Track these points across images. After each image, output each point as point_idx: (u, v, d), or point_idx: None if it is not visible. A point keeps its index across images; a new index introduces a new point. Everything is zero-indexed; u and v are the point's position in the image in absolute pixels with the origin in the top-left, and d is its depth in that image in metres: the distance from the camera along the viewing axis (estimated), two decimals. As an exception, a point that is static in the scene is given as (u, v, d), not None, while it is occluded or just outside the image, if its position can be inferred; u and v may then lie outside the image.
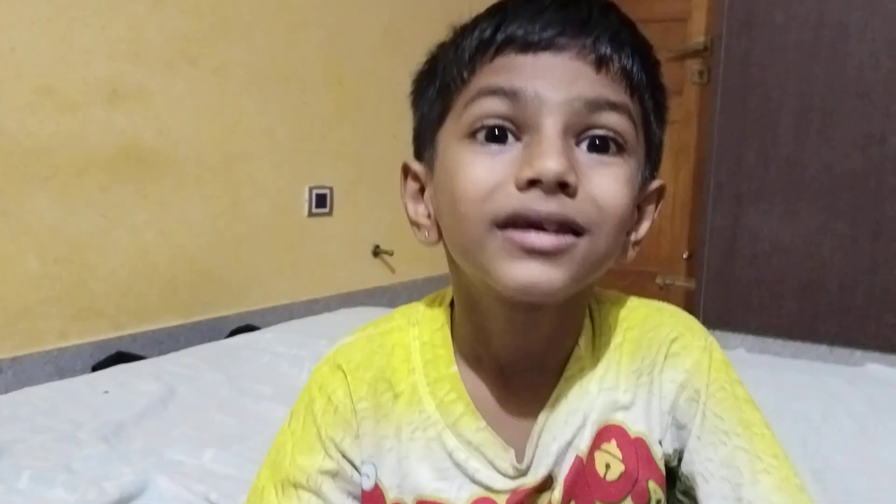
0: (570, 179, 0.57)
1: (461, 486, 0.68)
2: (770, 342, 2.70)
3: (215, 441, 1.34)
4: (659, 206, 0.70)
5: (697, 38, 3.15)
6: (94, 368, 1.92)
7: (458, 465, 0.68)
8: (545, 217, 0.58)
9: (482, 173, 0.60)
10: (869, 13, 2.54)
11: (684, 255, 3.22)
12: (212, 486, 1.18)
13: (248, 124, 2.42)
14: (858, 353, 2.53)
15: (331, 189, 2.74)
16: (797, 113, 2.66)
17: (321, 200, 2.71)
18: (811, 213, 2.64)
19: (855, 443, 1.45)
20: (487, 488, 0.67)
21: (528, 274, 0.59)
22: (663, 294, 3.17)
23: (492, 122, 0.61)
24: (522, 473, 0.67)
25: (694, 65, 3.18)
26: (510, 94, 0.60)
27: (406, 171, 0.70)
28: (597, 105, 0.59)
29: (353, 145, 2.83)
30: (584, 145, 0.60)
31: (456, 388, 0.69)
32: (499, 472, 0.67)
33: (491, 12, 0.64)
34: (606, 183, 0.60)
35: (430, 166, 0.68)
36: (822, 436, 1.48)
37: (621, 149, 0.61)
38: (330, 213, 2.75)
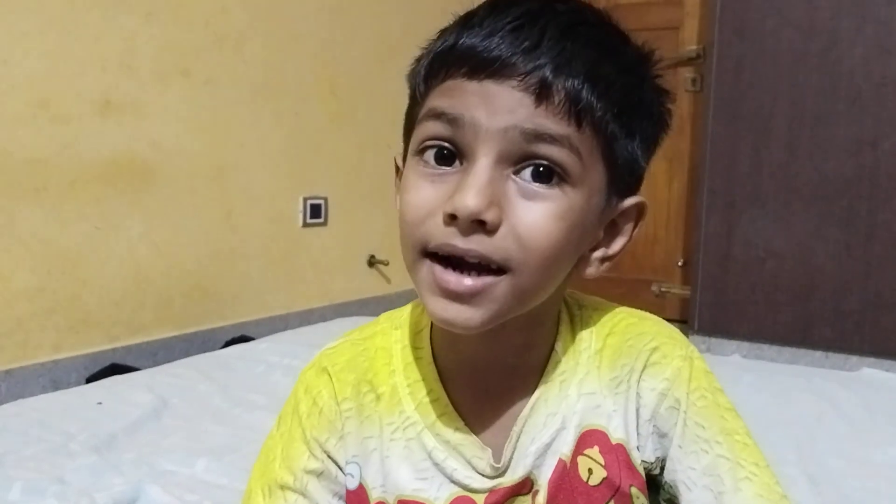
0: (488, 217, 0.58)
1: (440, 486, 0.68)
2: (765, 348, 2.69)
3: (208, 451, 1.34)
4: (639, 224, 0.69)
5: (690, 45, 3.16)
6: (89, 380, 1.92)
7: (436, 465, 0.69)
8: (463, 253, 0.59)
9: (421, 199, 0.61)
10: (860, 19, 2.55)
11: (679, 263, 3.22)
12: (204, 495, 1.18)
13: (242, 135, 2.42)
14: (854, 359, 2.53)
15: (325, 199, 2.75)
16: (789, 119, 2.67)
17: (316, 211, 2.71)
18: (804, 219, 2.65)
19: (850, 446, 1.45)
20: (465, 487, 0.68)
21: (444, 312, 0.61)
22: (658, 301, 3.17)
23: (436, 143, 0.62)
24: (500, 473, 0.68)
25: (686, 73, 3.19)
26: (451, 120, 0.60)
27: (396, 166, 0.71)
28: (534, 136, 0.59)
29: (347, 155, 2.84)
30: (525, 173, 0.60)
31: (435, 390, 0.70)
32: (476, 471, 0.68)
33: (457, 22, 0.64)
34: (534, 219, 0.59)
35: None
36: (817, 440, 1.48)
37: (563, 180, 0.60)
38: (325, 224, 2.76)
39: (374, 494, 0.70)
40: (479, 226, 0.58)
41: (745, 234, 2.75)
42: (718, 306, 2.82)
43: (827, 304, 2.62)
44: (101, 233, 2.04)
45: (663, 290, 3.23)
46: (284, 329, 2.43)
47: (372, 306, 2.89)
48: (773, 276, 2.71)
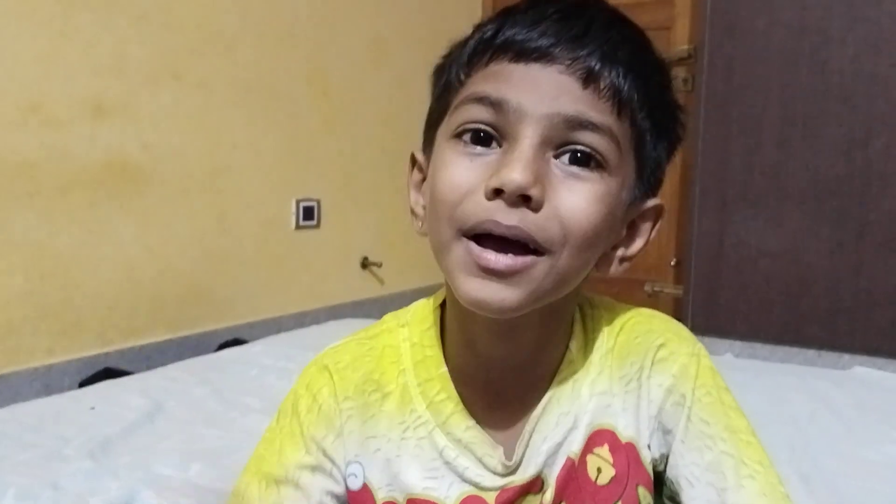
0: (533, 193, 0.58)
1: (451, 485, 0.68)
2: (758, 347, 2.70)
3: (202, 455, 1.33)
4: (657, 226, 0.70)
5: (681, 45, 3.16)
6: (82, 385, 1.91)
7: (447, 464, 0.69)
8: (505, 231, 0.59)
9: (459, 176, 0.61)
10: (850, 19, 2.56)
11: (672, 262, 3.23)
12: (198, 499, 1.17)
13: (234, 138, 2.42)
14: (846, 357, 2.53)
15: (318, 201, 2.74)
16: (781, 118, 2.67)
17: (308, 213, 2.71)
18: (796, 218, 2.65)
19: (842, 445, 1.46)
20: (476, 485, 0.68)
21: (480, 291, 0.60)
22: (652, 301, 3.18)
23: (475, 126, 0.62)
24: (511, 471, 0.68)
25: (678, 72, 3.19)
26: (495, 104, 0.61)
27: (413, 160, 0.72)
28: (576, 123, 0.60)
29: (339, 157, 2.84)
30: (565, 158, 0.61)
31: (446, 388, 0.70)
32: (488, 469, 0.68)
33: (498, 14, 0.65)
34: (576, 200, 0.60)
35: (428, 160, 0.69)
36: (810, 438, 1.48)
37: (601, 166, 0.61)
38: (317, 226, 2.75)
39: (379, 495, 0.70)
40: (524, 201, 0.58)
41: (737, 233, 2.76)
42: (711, 305, 2.83)
43: (819, 303, 2.63)
44: (94, 236, 2.03)
45: (656, 289, 3.24)
46: (278, 331, 2.43)
47: (365, 308, 2.89)
48: (766, 275, 2.71)
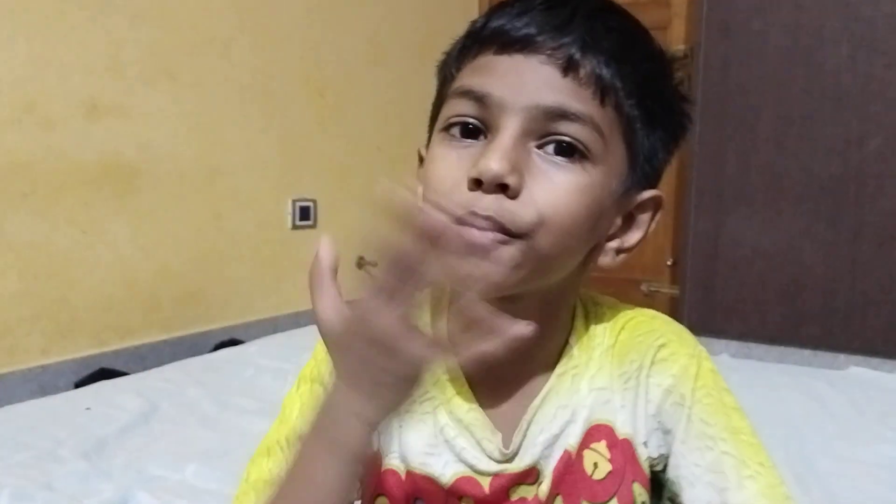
0: (510, 181, 0.59)
1: (447, 463, 0.69)
2: (754, 347, 2.70)
3: (197, 456, 1.33)
4: (656, 217, 0.70)
5: (677, 45, 3.16)
6: (77, 385, 1.91)
7: (446, 442, 0.69)
8: (482, 223, 0.59)
9: (446, 168, 0.63)
10: (845, 18, 2.56)
11: (668, 262, 3.23)
12: (193, 500, 1.17)
13: (230, 137, 2.41)
14: (842, 357, 2.53)
15: (314, 201, 2.74)
16: (776, 118, 2.67)
17: (305, 213, 2.70)
18: (792, 218, 2.65)
19: (837, 445, 1.46)
20: (472, 468, 0.69)
21: (464, 267, 0.60)
22: (648, 301, 3.18)
23: (462, 120, 0.63)
24: (508, 459, 0.69)
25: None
26: (479, 98, 0.62)
27: (420, 156, 0.73)
28: (556, 114, 0.60)
29: (336, 157, 2.83)
30: (549, 147, 0.61)
31: (453, 369, 0.70)
32: (485, 453, 0.69)
33: (489, 10, 0.66)
34: (553, 189, 0.61)
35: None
36: (805, 439, 1.48)
37: (583, 156, 0.62)
38: (314, 226, 2.75)
39: (384, 461, 0.70)
40: (501, 190, 0.59)
41: (733, 233, 2.76)
42: (707, 305, 2.83)
43: (815, 303, 2.63)
44: (89, 237, 2.03)
45: (652, 289, 3.24)
46: (274, 331, 2.43)
47: (362, 308, 2.88)
48: (762, 275, 2.71)
